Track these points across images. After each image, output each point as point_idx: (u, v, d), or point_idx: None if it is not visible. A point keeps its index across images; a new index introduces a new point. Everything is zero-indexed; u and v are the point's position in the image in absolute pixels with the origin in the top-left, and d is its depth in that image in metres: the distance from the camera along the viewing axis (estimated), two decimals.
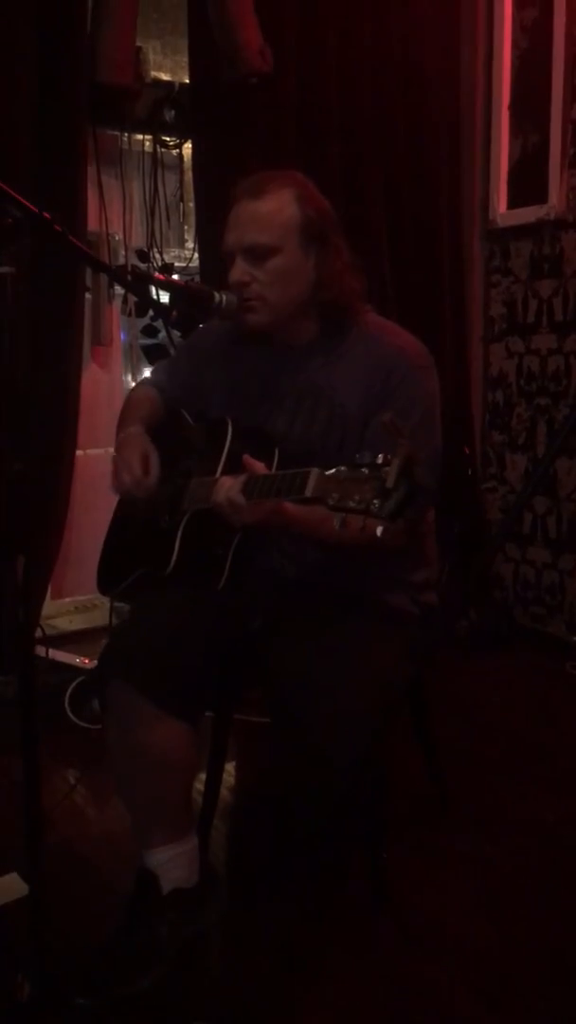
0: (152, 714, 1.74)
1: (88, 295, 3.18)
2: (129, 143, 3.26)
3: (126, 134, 3.23)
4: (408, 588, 1.95)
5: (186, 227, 3.48)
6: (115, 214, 3.19)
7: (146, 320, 3.36)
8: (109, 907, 1.92)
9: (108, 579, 2.10)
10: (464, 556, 3.43)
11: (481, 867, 2.17)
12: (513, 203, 3.64)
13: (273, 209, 1.80)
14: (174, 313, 1.71)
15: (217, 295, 1.77)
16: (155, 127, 3.26)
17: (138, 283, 1.66)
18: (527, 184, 3.59)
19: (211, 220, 3.24)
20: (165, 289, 1.74)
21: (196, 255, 3.29)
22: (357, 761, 1.67)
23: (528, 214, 3.55)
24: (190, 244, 3.46)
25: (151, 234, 3.28)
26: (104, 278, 3.20)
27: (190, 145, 3.30)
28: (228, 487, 1.63)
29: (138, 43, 3.15)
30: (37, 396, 2.95)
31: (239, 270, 1.81)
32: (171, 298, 1.73)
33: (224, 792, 2.50)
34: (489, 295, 3.76)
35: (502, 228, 3.67)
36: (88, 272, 3.13)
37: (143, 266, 3.34)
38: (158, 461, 1.95)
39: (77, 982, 1.70)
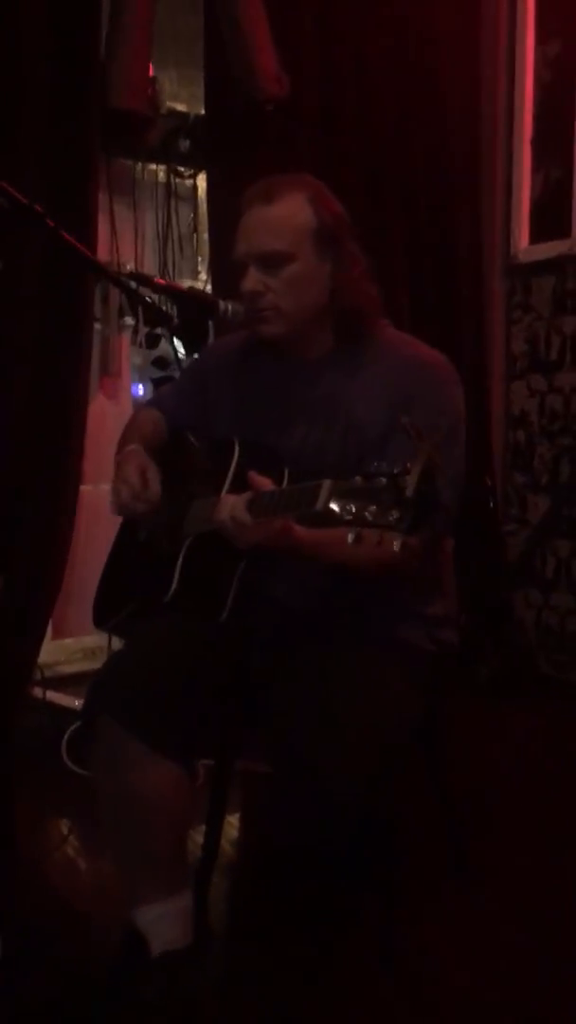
0: (143, 755, 1.60)
1: (97, 324, 3.09)
2: (143, 173, 3.20)
3: (140, 164, 3.17)
4: (423, 622, 1.80)
5: (199, 258, 3.41)
6: (127, 244, 3.12)
7: (157, 352, 3.26)
8: (97, 968, 1.76)
9: (104, 611, 1.97)
10: (482, 597, 3.28)
11: (499, 926, 2.00)
12: (535, 238, 3.56)
13: (286, 214, 1.69)
14: (175, 320, 1.60)
15: (222, 303, 1.67)
16: (169, 157, 3.20)
17: (139, 285, 1.56)
18: (549, 219, 3.51)
19: (225, 251, 3.15)
20: (166, 294, 1.65)
21: (209, 287, 3.21)
22: (363, 805, 1.54)
23: (550, 249, 3.46)
24: (203, 275, 3.38)
25: (164, 264, 3.21)
26: (112, 306, 3.11)
27: (204, 177, 3.24)
28: (232, 505, 1.51)
29: (154, 73, 3.11)
30: (40, 426, 2.86)
31: (252, 279, 1.70)
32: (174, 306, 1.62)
33: (226, 846, 2.35)
34: (510, 332, 3.66)
35: (524, 263, 3.58)
36: (97, 300, 3.06)
37: (155, 297, 3.26)
38: (157, 475, 1.82)
39: None
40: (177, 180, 3.26)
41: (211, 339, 1.89)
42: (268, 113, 2.96)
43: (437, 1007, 1.75)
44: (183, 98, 3.27)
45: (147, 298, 1.57)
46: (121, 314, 3.15)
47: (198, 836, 2.11)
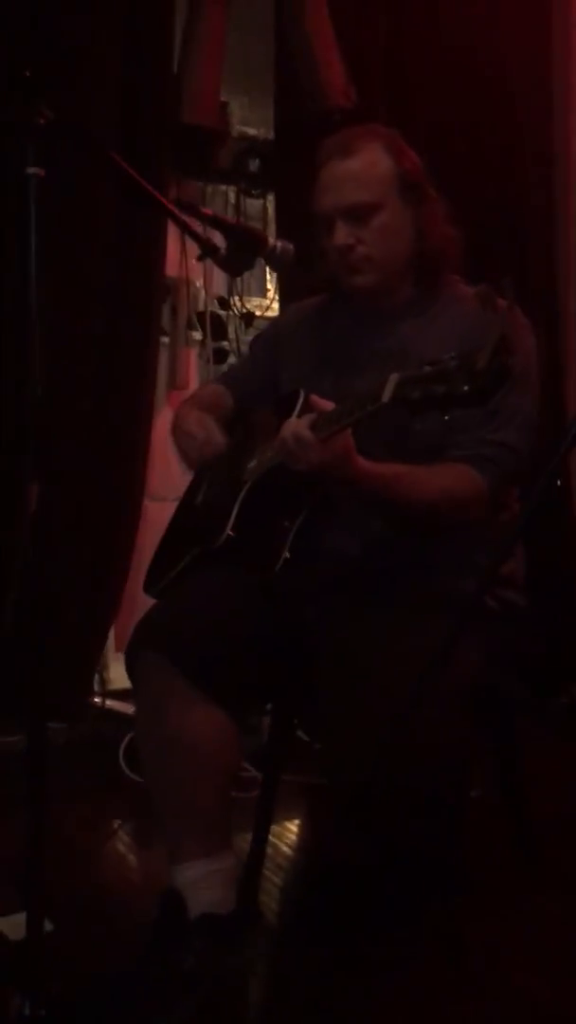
0: (188, 695, 1.52)
1: (165, 338, 3.12)
2: (212, 193, 3.25)
3: (209, 185, 3.23)
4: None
5: (268, 276, 3.43)
6: (196, 260, 3.14)
7: (224, 367, 3.26)
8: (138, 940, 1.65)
9: (156, 576, 1.91)
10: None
11: (569, 931, 1.83)
12: None
13: (368, 164, 1.70)
14: (222, 251, 1.58)
15: (272, 240, 1.64)
16: (239, 178, 3.25)
17: (185, 212, 1.54)
18: None
19: (292, 267, 3.19)
20: (214, 226, 1.63)
21: (276, 303, 3.22)
22: (430, 766, 1.42)
23: None
24: (271, 293, 3.40)
25: (232, 281, 3.23)
26: (180, 320, 3.13)
27: (273, 197, 3.27)
28: (295, 423, 1.49)
29: (226, 98, 3.19)
30: (104, 438, 2.87)
31: (343, 233, 1.70)
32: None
33: (284, 848, 2.23)
34: None
35: None
36: (165, 314, 3.09)
37: (223, 313, 3.28)
38: (216, 424, 1.81)
39: (86, 1019, 1.43)
40: (247, 199, 3.30)
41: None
42: (336, 125, 2.97)
43: (499, 1006, 1.59)
44: (253, 123, 3.33)
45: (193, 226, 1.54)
46: (189, 327, 3.17)
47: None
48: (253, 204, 3.31)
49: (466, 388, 1.17)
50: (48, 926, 1.77)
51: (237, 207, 3.28)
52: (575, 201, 3.44)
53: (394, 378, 1.30)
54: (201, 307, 3.20)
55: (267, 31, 3.11)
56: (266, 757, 1.95)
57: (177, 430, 1.87)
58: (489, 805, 1.94)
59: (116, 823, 2.35)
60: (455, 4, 3.24)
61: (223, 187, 3.29)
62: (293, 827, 2.37)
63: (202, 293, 3.19)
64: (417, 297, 1.76)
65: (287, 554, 1.63)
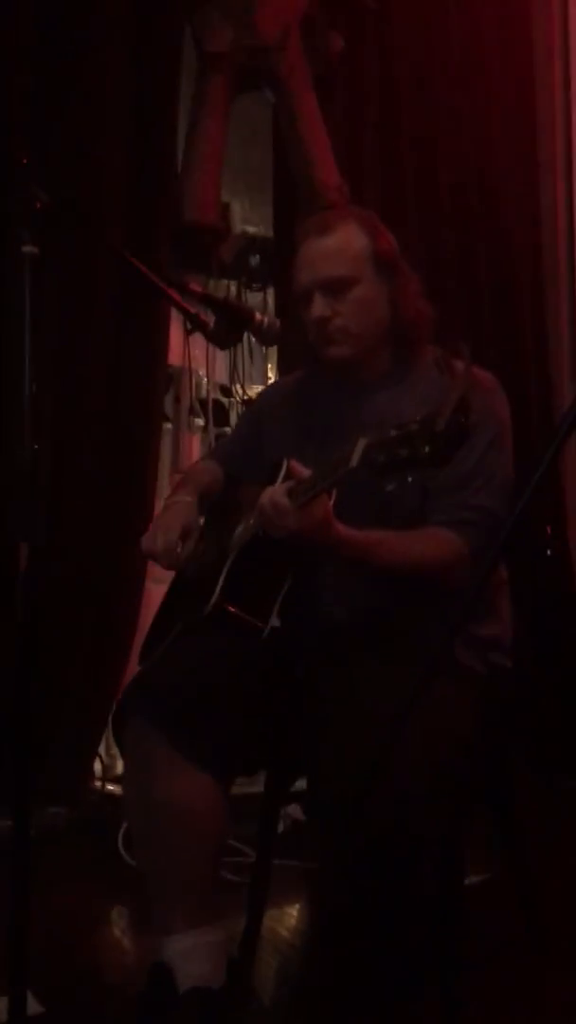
0: (175, 761, 1.52)
1: (168, 424, 3.19)
2: (215, 286, 3.36)
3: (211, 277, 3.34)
4: (474, 643, 1.71)
5: (268, 365, 3.52)
6: (199, 350, 3.24)
7: None
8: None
9: (149, 650, 1.93)
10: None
11: None
12: None
13: (344, 242, 1.78)
14: (210, 326, 1.64)
15: (259, 315, 1.71)
16: (240, 273, 3.37)
17: (177, 291, 1.61)
18: None
19: (293, 357, 3.27)
20: (203, 302, 1.70)
21: None
22: (420, 834, 1.42)
23: None
24: (272, 380, 3.48)
25: (234, 369, 3.32)
26: (183, 406, 3.22)
27: (272, 290, 3.39)
28: (272, 491, 1.52)
29: (228, 199, 3.34)
30: (107, 522, 2.91)
31: (319, 306, 1.77)
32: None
33: (283, 933, 2.18)
34: None
35: None
36: (168, 401, 3.17)
37: (226, 400, 3.37)
38: (195, 540, 1.86)
39: None
40: (248, 292, 3.41)
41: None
42: None
43: None
44: (254, 221, 3.48)
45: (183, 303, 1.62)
46: (192, 414, 3.25)
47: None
48: (254, 297, 3.42)
49: (427, 450, 1.22)
50: (38, 1008, 1.75)
51: (239, 298, 3.39)
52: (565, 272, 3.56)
53: (362, 443, 1.35)
54: (204, 394, 3.28)
55: (266, 137, 3.29)
56: (260, 824, 1.92)
57: (163, 513, 1.94)
58: (493, 882, 1.91)
59: (112, 907, 2.31)
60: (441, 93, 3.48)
61: (225, 281, 3.40)
62: (292, 911, 2.32)
63: (205, 380, 3.28)
64: (394, 368, 1.82)
65: (276, 621, 1.64)
